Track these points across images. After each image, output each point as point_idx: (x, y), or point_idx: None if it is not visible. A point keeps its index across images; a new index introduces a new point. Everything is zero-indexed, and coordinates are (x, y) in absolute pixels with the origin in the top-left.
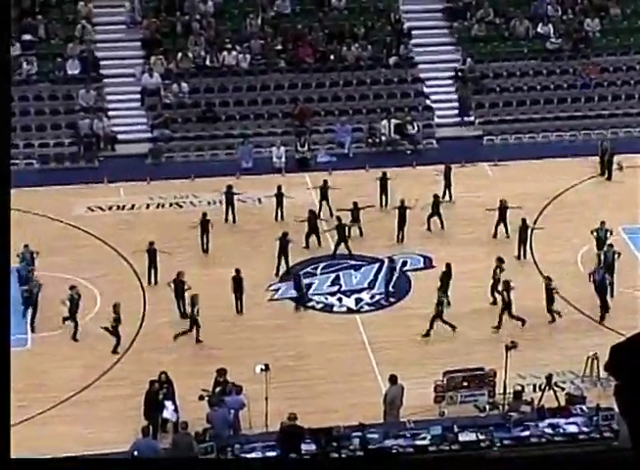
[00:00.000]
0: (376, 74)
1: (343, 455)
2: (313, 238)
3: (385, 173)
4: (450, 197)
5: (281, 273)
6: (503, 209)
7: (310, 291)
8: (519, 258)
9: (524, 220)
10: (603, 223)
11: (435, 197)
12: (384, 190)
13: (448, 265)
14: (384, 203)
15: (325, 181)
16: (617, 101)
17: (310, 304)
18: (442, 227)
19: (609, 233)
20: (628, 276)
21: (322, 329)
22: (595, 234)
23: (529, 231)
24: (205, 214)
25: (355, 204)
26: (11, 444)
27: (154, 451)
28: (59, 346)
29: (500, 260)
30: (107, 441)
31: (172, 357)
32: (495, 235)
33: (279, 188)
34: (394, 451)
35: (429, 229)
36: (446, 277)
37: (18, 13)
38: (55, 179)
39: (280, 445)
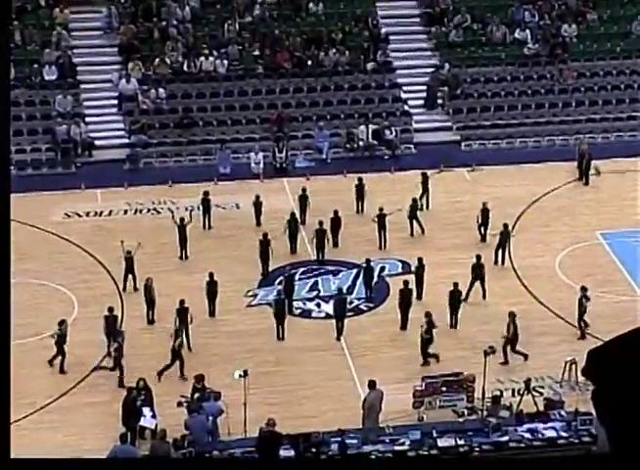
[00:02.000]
0: (354, 80)
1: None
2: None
3: (360, 179)
4: (427, 205)
5: (260, 278)
6: (485, 211)
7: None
8: (496, 263)
9: (505, 225)
10: (584, 289)
11: (414, 201)
12: (360, 196)
13: (420, 259)
14: (359, 208)
15: (304, 189)
16: (595, 106)
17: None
18: (423, 232)
19: (586, 300)
20: (607, 282)
21: (301, 335)
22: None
23: (509, 237)
24: (182, 220)
25: (336, 212)
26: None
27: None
28: (35, 352)
29: (512, 315)
30: (85, 447)
31: (150, 364)
32: (484, 239)
33: (257, 196)
34: (373, 457)
35: (412, 234)
36: (420, 273)
37: None
38: (32, 185)
39: (258, 451)
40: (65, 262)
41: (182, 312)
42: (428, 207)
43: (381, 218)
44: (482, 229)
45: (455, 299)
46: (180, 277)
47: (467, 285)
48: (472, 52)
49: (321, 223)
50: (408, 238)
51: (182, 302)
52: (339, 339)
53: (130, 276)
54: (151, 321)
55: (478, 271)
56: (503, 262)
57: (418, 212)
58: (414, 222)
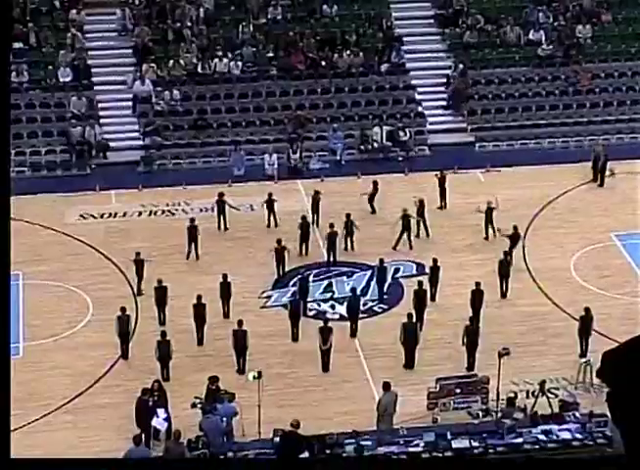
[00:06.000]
0: (368, 81)
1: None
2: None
3: (375, 182)
4: (445, 205)
5: (274, 280)
6: (489, 210)
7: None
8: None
9: (515, 228)
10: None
11: (421, 202)
12: (372, 199)
13: (435, 260)
14: (374, 210)
15: (316, 191)
16: (609, 107)
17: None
18: (427, 235)
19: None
20: (622, 283)
21: (315, 336)
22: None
23: (522, 236)
24: (192, 221)
25: (348, 215)
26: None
27: None
28: (50, 354)
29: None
30: (99, 448)
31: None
32: (487, 237)
33: (270, 195)
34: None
35: (417, 235)
36: (435, 273)
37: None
38: (47, 187)
39: (278, 452)
40: (79, 264)
41: (198, 308)
42: (445, 206)
43: (405, 219)
44: (489, 228)
45: (477, 299)
46: (194, 278)
47: (493, 284)
48: (486, 53)
49: (332, 226)
50: (421, 240)
51: (199, 297)
52: (353, 336)
53: (140, 278)
54: (162, 322)
55: (504, 269)
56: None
57: (427, 214)
58: (421, 224)
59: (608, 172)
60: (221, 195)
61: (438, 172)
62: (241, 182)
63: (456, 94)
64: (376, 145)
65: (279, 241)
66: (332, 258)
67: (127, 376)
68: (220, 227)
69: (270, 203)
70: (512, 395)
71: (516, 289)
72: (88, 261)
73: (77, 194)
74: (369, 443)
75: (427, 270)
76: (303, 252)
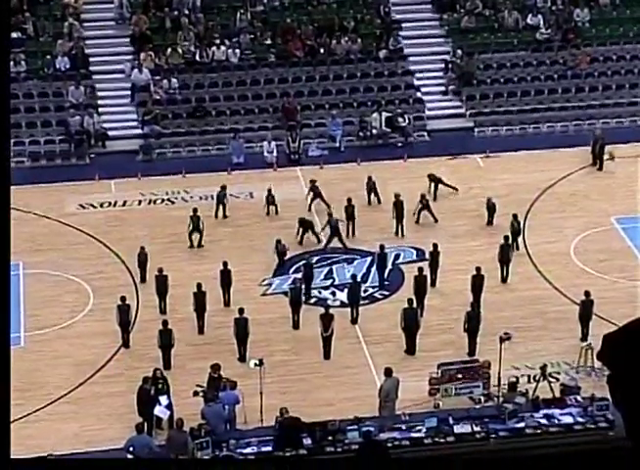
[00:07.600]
0: (366, 67)
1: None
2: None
3: (370, 177)
4: (435, 197)
5: (275, 267)
6: (490, 206)
7: (304, 285)
8: (513, 249)
9: (515, 216)
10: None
11: (422, 196)
12: (369, 191)
13: (435, 246)
14: (370, 201)
15: (313, 181)
16: (608, 91)
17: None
18: (435, 220)
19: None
20: (622, 266)
21: (316, 323)
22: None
23: (522, 222)
24: (195, 210)
25: (349, 200)
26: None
27: (148, 448)
28: (52, 344)
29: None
30: (102, 438)
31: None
32: (488, 223)
33: (269, 190)
34: (390, 445)
35: (417, 222)
36: (436, 259)
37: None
38: (46, 177)
39: (280, 440)
40: (79, 253)
41: (199, 296)
42: (435, 198)
43: (398, 205)
44: (491, 216)
45: (477, 284)
46: (194, 267)
47: (494, 269)
48: (484, 38)
49: (330, 215)
50: (421, 225)
51: (199, 286)
52: (354, 323)
53: (143, 267)
54: (163, 311)
55: (505, 254)
56: (518, 248)
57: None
58: (425, 210)
59: (607, 156)
60: (224, 188)
61: (432, 174)
62: (240, 170)
63: (463, 76)
64: (375, 131)
65: (279, 241)
66: (340, 244)
67: (129, 365)
68: (218, 215)
69: (270, 196)
70: (513, 379)
71: (516, 274)
72: (88, 251)
73: (77, 183)
74: (371, 429)
75: (427, 256)
76: (311, 240)
